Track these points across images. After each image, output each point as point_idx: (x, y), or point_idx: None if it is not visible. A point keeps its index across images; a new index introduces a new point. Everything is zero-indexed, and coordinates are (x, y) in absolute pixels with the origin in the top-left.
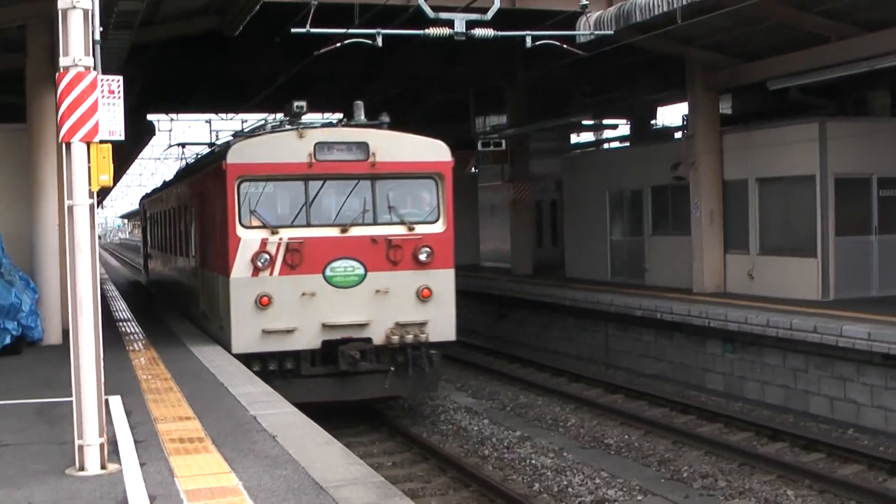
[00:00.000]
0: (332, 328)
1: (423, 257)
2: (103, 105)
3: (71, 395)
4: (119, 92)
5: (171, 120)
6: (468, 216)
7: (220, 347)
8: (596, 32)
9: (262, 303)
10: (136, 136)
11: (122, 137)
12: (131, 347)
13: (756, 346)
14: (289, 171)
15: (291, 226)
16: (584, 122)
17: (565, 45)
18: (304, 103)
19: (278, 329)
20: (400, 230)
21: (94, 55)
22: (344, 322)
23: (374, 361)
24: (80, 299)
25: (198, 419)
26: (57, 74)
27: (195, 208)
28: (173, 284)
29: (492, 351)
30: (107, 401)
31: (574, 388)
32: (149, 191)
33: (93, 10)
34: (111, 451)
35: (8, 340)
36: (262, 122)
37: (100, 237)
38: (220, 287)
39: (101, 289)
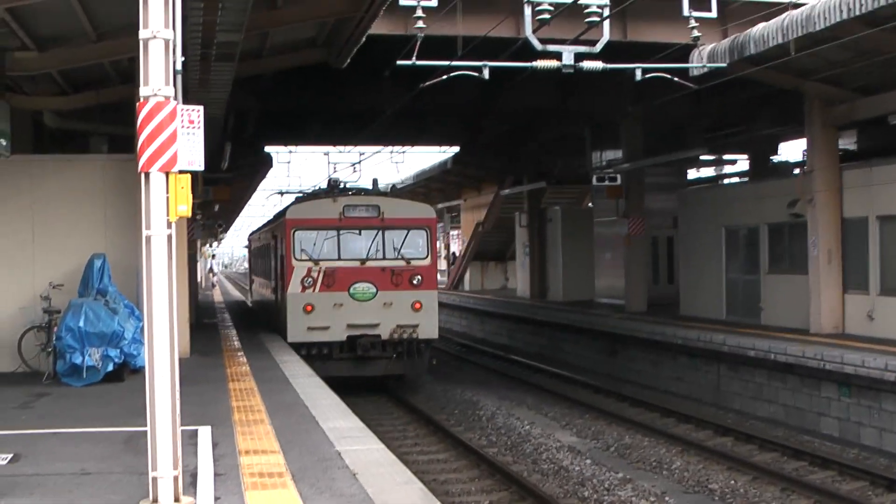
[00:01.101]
0: (353, 327)
1: (415, 282)
2: (183, 135)
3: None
4: (199, 122)
5: (290, 152)
6: (583, 252)
7: (317, 377)
8: (708, 65)
9: (307, 309)
10: (254, 166)
11: (202, 167)
12: (231, 371)
13: (873, 391)
14: (326, 224)
15: (328, 259)
16: (702, 157)
17: (676, 79)
18: (338, 176)
19: (318, 326)
20: (400, 263)
21: (174, 85)
22: (362, 323)
23: (381, 350)
24: (155, 331)
25: (282, 453)
26: (137, 104)
27: (273, 246)
28: (266, 303)
29: (600, 389)
30: (195, 432)
31: (682, 429)
32: (254, 228)
33: (175, 40)
34: (189, 483)
35: (110, 367)
36: (316, 188)
37: (226, 266)
38: (278, 297)
39: (215, 314)
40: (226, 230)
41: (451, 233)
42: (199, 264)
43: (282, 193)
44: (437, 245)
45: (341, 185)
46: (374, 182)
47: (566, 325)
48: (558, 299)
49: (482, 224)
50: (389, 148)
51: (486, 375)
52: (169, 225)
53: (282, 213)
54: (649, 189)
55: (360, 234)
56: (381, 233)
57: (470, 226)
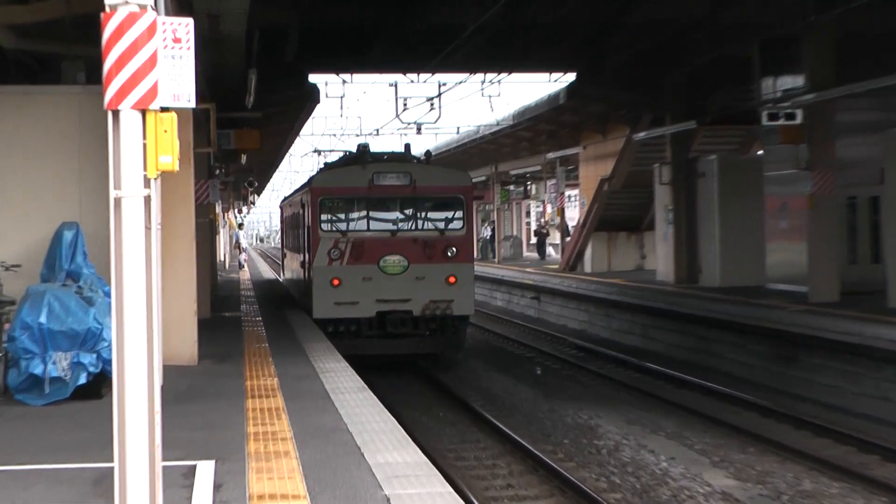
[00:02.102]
0: (383, 302)
1: (450, 254)
2: (166, 58)
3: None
4: (189, 41)
5: (344, 83)
6: (748, 218)
7: (367, 391)
8: None
9: (334, 283)
10: (294, 102)
11: (192, 103)
12: (253, 384)
13: None
14: (355, 192)
15: (356, 230)
16: None
17: None
18: (367, 143)
19: (345, 301)
20: (434, 234)
21: None
22: (392, 298)
23: (413, 327)
24: (127, 330)
25: (308, 499)
26: (102, 15)
27: (301, 216)
28: (296, 279)
29: (770, 411)
30: (193, 468)
31: (887, 470)
32: (288, 194)
33: None
34: None
35: (83, 379)
36: (345, 153)
37: (261, 239)
38: (305, 270)
39: (240, 303)
40: (259, 191)
41: (567, 194)
42: (219, 237)
43: (319, 153)
44: (475, 215)
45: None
46: (407, 147)
47: (724, 321)
48: (713, 285)
49: (608, 180)
50: (480, 77)
51: (610, 390)
52: (147, 183)
53: (309, 181)
54: (843, 130)
55: (390, 203)
56: (413, 202)
57: (592, 183)
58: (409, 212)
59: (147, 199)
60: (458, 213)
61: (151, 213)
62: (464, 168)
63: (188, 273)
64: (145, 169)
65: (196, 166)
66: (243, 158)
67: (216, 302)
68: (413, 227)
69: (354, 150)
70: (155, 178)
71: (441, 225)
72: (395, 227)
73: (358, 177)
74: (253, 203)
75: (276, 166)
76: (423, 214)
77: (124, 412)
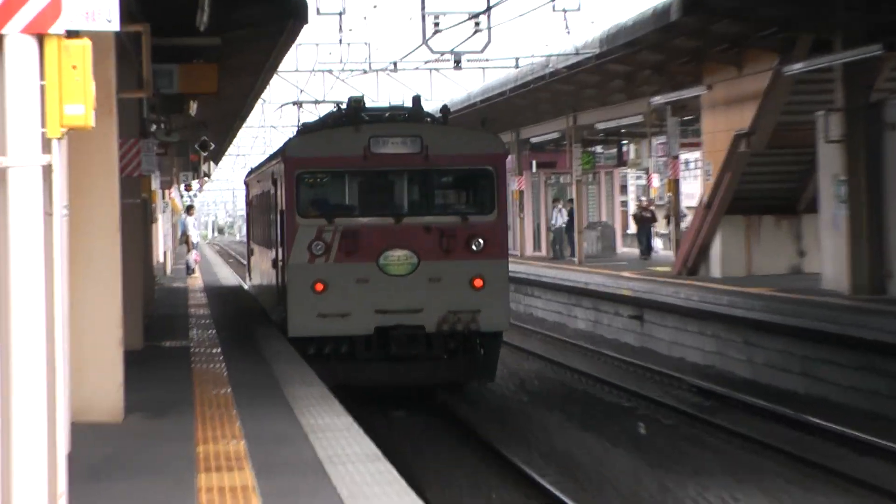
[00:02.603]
0: (385, 314)
1: (475, 247)
2: None
3: None
4: None
5: None
6: (869, 186)
7: (382, 461)
8: None
9: (317, 288)
10: (271, 22)
11: (115, 24)
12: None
13: None
14: (345, 163)
15: (348, 215)
16: None
17: None
18: (361, 95)
19: (333, 313)
20: (453, 220)
21: None
22: (397, 308)
23: (426, 347)
24: (12, 370)
25: None
26: None
27: (272, 196)
28: (266, 284)
29: None
30: None
31: None
32: (255, 165)
33: None
34: None
35: None
36: (336, 107)
37: (221, 230)
38: (279, 271)
39: (188, 325)
40: (217, 158)
41: (683, 158)
42: (157, 227)
43: (298, 105)
44: (508, 193)
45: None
46: (416, 100)
47: None
48: None
49: (746, 137)
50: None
51: (753, 457)
52: (46, 146)
53: (282, 149)
54: None
55: (394, 178)
56: (424, 177)
57: (721, 142)
58: (419, 190)
59: (47, 170)
60: (487, 192)
61: (53, 191)
62: (525, 121)
63: (110, 282)
64: (44, 125)
65: (121, 120)
66: (193, 108)
67: (152, 326)
68: (425, 211)
69: (344, 105)
70: (59, 139)
71: (463, 208)
72: (400, 212)
73: (349, 143)
74: (208, 176)
75: (243, 120)
76: (439, 193)
77: (10, 498)
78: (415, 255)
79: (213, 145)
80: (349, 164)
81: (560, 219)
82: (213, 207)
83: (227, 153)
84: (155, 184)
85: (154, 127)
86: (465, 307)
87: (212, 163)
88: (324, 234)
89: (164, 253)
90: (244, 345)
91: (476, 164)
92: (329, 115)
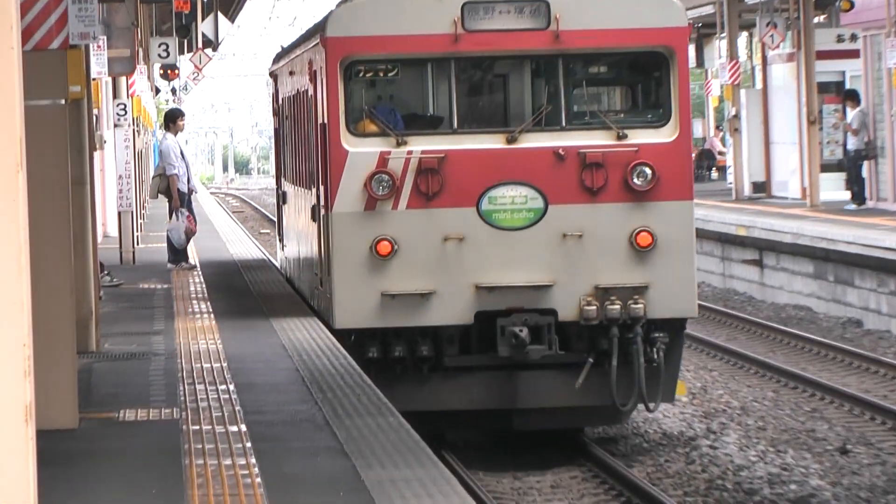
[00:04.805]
0: (491, 292)
1: (640, 182)
2: None
3: None
4: None
5: None
6: None
7: None
8: None
9: (381, 251)
10: None
11: None
12: None
13: None
14: (423, 48)
15: (427, 132)
16: None
17: None
18: None
19: (405, 292)
20: (602, 138)
21: None
22: (511, 283)
23: (558, 346)
24: None
25: None
26: None
27: (307, 100)
28: (306, 259)
29: None
30: None
31: None
32: (288, 44)
33: None
34: None
35: None
36: None
37: (239, 170)
38: (320, 226)
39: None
40: (234, 11)
41: None
42: (101, 158)
43: None
44: (687, 91)
45: None
46: None
47: None
48: None
49: None
50: None
51: None
52: None
53: (322, 23)
54: None
55: (503, 71)
56: (555, 65)
57: None
58: (545, 89)
59: None
60: (657, 90)
61: None
62: None
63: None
64: None
65: None
66: None
67: (100, 377)
68: (555, 124)
69: None
70: None
71: (618, 117)
72: (513, 125)
73: (429, 12)
74: (213, 47)
75: None
76: (578, 95)
77: None
78: (539, 196)
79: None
80: (430, 48)
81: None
82: (226, 118)
83: (254, 16)
84: (98, 65)
85: None
86: (623, 280)
87: (221, 17)
88: (390, 162)
89: (121, 216)
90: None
91: (638, 43)
92: None
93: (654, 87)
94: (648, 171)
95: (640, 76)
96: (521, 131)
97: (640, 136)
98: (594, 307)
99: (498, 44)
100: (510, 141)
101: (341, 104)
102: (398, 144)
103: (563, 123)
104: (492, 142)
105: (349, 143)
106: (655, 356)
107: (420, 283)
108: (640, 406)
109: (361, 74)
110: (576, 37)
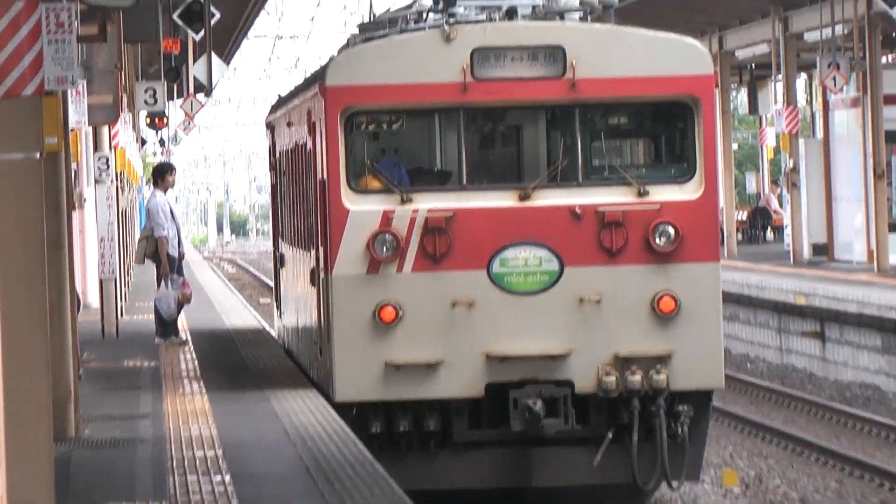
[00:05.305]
0: (503, 362)
1: (662, 242)
2: None
3: None
4: None
5: None
6: None
7: None
8: None
9: (385, 317)
10: None
11: None
12: None
13: None
14: (430, 98)
15: (434, 189)
16: None
17: None
18: None
19: (413, 362)
20: (622, 195)
21: None
22: (524, 352)
23: (575, 420)
24: None
25: None
26: None
27: (305, 153)
28: (304, 327)
29: None
30: None
31: None
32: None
33: None
34: None
35: None
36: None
37: (240, 229)
38: (319, 291)
39: None
40: (229, 52)
41: None
42: (80, 217)
43: None
44: (715, 142)
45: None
46: None
47: None
48: None
49: None
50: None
51: None
52: None
53: (322, 71)
54: None
55: (516, 122)
56: (569, 117)
57: None
58: (560, 142)
59: None
60: (681, 144)
61: None
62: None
63: None
64: None
65: None
66: None
67: (83, 464)
68: (572, 180)
69: None
70: None
71: (639, 172)
72: (527, 181)
73: (437, 59)
74: (205, 92)
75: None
76: (596, 148)
77: None
78: (555, 258)
79: (215, 13)
80: (437, 98)
81: None
82: (221, 173)
83: (251, 34)
84: (77, 113)
85: None
86: (644, 349)
87: (215, 59)
88: (394, 221)
89: (103, 284)
90: None
91: (660, 92)
92: (400, 11)
93: (677, 139)
94: (672, 230)
95: (663, 127)
96: (535, 188)
97: (663, 193)
98: (613, 378)
99: (510, 93)
100: (523, 198)
101: (342, 158)
102: (403, 202)
103: (580, 179)
104: (503, 199)
105: (350, 200)
106: (679, 431)
107: (426, 353)
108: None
109: (364, 126)
110: (593, 85)
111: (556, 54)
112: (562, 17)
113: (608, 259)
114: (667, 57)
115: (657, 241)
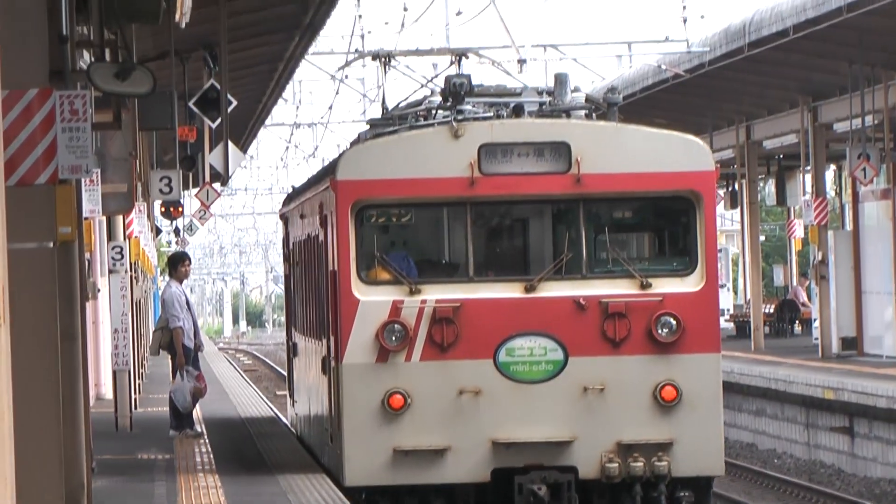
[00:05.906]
0: (509, 448)
1: (665, 333)
2: None
3: None
4: None
5: None
6: None
7: None
8: None
9: (394, 405)
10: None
11: None
12: None
13: None
14: (438, 192)
15: (442, 280)
16: None
17: None
18: (468, 75)
19: (421, 448)
20: (625, 286)
21: None
22: (529, 438)
23: None
24: None
25: None
26: None
27: (317, 245)
28: (316, 416)
29: None
30: None
31: None
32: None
33: None
34: None
35: None
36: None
37: (256, 320)
38: (330, 379)
39: None
40: (246, 139)
41: None
42: (95, 309)
43: (386, 60)
44: (715, 238)
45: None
46: (560, 81)
47: None
48: None
49: None
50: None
51: None
52: None
53: (332, 166)
54: None
55: (523, 216)
56: (574, 211)
57: None
58: (565, 236)
59: None
60: (684, 237)
61: None
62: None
63: None
64: None
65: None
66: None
67: None
68: (576, 272)
69: (441, 85)
70: None
71: (642, 265)
72: (532, 274)
73: (445, 155)
74: (222, 182)
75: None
76: (600, 241)
77: None
78: (559, 348)
79: (232, 101)
80: (445, 192)
81: None
82: (236, 263)
83: (268, 122)
84: (91, 202)
85: (88, 59)
86: (647, 436)
87: (232, 147)
88: (403, 312)
89: (117, 375)
90: None
91: (663, 188)
92: (410, 106)
93: (679, 233)
94: (673, 321)
95: (665, 221)
96: (541, 279)
97: (665, 285)
98: (616, 464)
99: (516, 188)
100: (529, 289)
101: (352, 250)
102: (412, 293)
103: (584, 271)
104: (509, 290)
105: (360, 291)
106: None
107: (434, 439)
108: None
109: (374, 219)
110: (597, 181)
111: (561, 150)
112: (567, 115)
113: (612, 349)
114: (669, 153)
115: (659, 331)
